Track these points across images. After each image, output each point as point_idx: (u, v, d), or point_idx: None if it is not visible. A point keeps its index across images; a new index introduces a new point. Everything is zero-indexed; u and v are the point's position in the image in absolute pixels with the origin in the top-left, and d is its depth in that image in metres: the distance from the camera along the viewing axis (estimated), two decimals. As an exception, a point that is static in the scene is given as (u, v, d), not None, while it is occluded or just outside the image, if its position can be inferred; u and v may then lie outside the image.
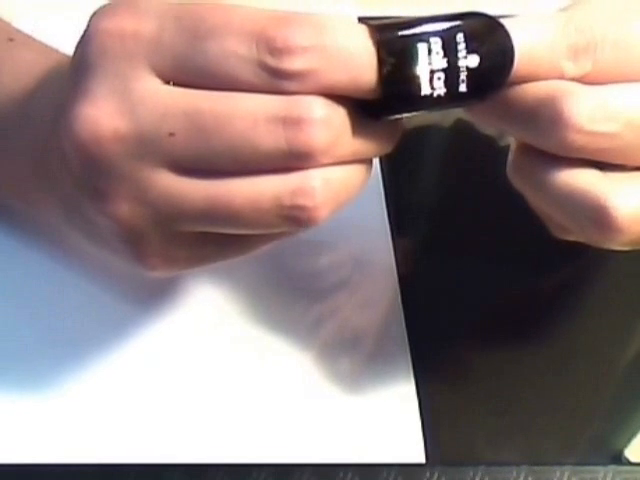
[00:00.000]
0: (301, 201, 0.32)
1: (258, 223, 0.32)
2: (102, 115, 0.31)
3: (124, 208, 0.32)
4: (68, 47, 0.51)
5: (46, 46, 0.42)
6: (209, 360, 0.41)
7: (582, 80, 0.33)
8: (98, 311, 0.36)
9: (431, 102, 0.32)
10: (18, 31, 0.43)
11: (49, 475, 0.37)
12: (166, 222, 0.33)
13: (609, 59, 0.33)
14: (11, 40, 0.41)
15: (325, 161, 0.32)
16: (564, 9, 0.35)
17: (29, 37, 0.42)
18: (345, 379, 0.41)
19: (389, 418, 0.40)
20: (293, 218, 0.32)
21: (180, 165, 0.32)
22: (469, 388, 0.41)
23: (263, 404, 0.40)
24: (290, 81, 0.31)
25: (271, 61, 0.31)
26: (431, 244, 0.44)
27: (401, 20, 0.32)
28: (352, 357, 0.42)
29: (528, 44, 0.33)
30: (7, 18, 0.44)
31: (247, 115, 0.31)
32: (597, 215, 0.33)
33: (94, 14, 0.33)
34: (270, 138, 0.31)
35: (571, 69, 0.33)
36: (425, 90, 0.31)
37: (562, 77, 0.33)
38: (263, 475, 0.37)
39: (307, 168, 0.32)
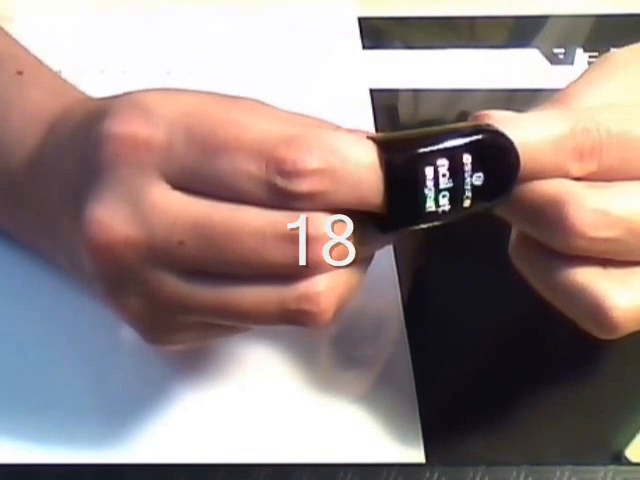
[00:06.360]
0: (306, 307, 0.32)
1: (263, 322, 0.33)
2: (114, 222, 0.32)
3: (132, 302, 0.33)
4: (67, 47, 0.51)
5: (55, 79, 0.42)
6: (210, 360, 0.41)
7: (586, 178, 0.34)
8: (99, 311, 0.36)
9: (435, 217, 0.32)
10: (27, 58, 0.43)
11: (49, 475, 0.37)
12: (173, 315, 0.34)
13: (615, 159, 0.33)
14: (20, 73, 0.41)
15: (330, 270, 0.32)
16: (574, 93, 0.35)
17: (38, 66, 0.42)
18: (345, 379, 0.41)
19: (389, 418, 0.40)
20: (298, 321, 0.33)
21: (189, 270, 0.32)
22: (469, 388, 0.41)
23: (263, 404, 0.40)
24: (298, 201, 0.31)
25: (280, 182, 0.31)
26: (431, 249, 0.44)
27: (409, 135, 0.32)
28: (352, 358, 0.42)
29: (535, 145, 0.33)
30: (7, 18, 0.44)
31: (256, 231, 0.31)
32: (595, 313, 0.33)
33: (106, 114, 0.33)
34: (278, 253, 0.31)
35: (576, 170, 0.33)
36: (430, 208, 0.32)
37: (567, 176, 0.33)
38: (263, 475, 0.37)
39: (313, 275, 0.32)
